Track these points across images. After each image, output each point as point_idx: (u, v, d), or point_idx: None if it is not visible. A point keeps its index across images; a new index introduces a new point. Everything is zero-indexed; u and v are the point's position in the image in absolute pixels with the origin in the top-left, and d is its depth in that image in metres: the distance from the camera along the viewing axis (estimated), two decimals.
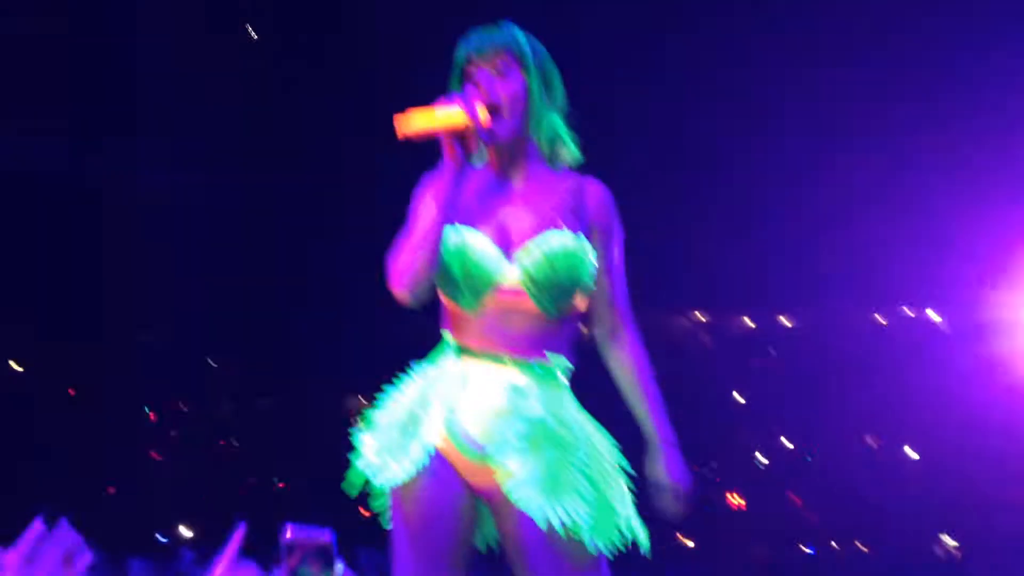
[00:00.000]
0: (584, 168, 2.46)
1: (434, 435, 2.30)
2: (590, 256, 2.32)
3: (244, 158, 7.15)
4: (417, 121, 2.26)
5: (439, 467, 2.29)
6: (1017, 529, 7.72)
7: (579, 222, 2.35)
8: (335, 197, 7.27)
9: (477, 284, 2.31)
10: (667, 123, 6.79)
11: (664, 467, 2.35)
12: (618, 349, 2.43)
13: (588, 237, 2.35)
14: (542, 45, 2.42)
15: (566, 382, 2.36)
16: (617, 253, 2.42)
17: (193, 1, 6.71)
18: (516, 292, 2.30)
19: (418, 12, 6.12)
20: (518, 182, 2.39)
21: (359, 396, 8.09)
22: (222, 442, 8.55)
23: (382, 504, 2.32)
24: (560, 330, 2.35)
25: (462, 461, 2.29)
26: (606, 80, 6.38)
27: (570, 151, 2.43)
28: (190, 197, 7.29)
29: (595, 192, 2.41)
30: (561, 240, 2.31)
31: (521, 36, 2.39)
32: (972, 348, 7.87)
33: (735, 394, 8.98)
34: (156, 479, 8.05)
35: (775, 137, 6.80)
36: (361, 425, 2.35)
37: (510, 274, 2.29)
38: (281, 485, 8.34)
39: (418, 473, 2.29)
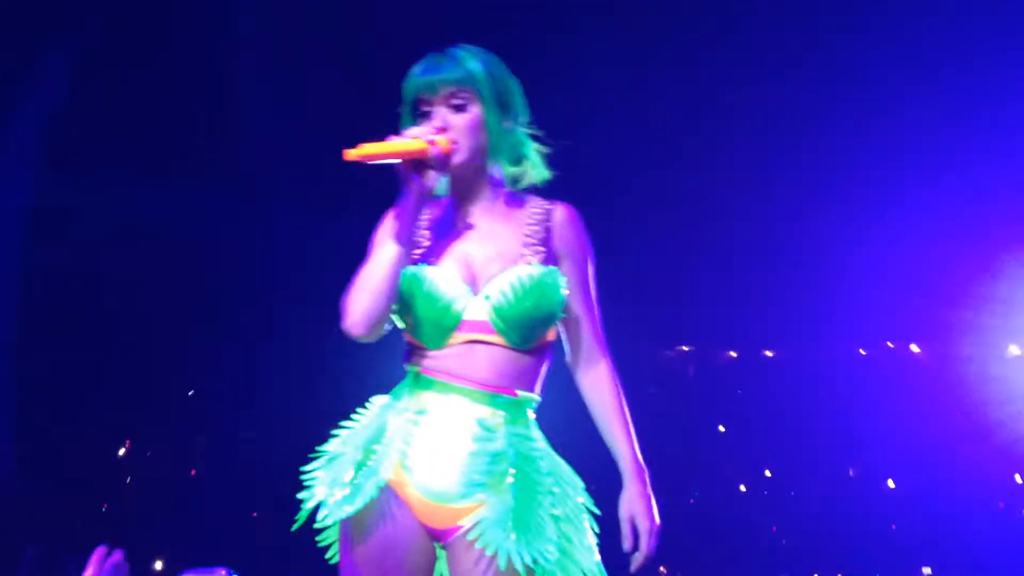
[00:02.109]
0: (563, 194, 2.42)
1: (388, 470, 2.22)
2: (560, 286, 2.26)
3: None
4: (370, 148, 2.18)
5: (391, 502, 2.21)
6: (995, 561, 7.75)
7: (547, 251, 2.28)
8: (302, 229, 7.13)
9: (442, 321, 2.23)
10: (655, 160, 6.80)
11: (632, 504, 2.31)
12: (592, 379, 2.38)
13: (557, 265, 2.28)
14: (496, 58, 2.33)
15: (533, 417, 2.31)
16: (590, 278, 2.34)
17: None
18: (483, 328, 2.23)
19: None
20: (481, 212, 2.31)
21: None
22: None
23: (330, 538, 2.29)
24: (528, 362, 2.27)
25: (418, 500, 2.22)
26: (588, 113, 6.41)
27: (536, 170, 2.36)
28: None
29: (563, 217, 2.33)
30: (529, 273, 2.24)
31: (472, 62, 2.28)
32: (952, 381, 7.93)
33: (720, 427, 8.99)
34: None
35: (763, 178, 6.82)
36: (314, 459, 2.30)
37: (476, 310, 2.23)
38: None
39: (368, 507, 2.20)
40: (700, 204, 7.05)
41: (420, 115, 2.26)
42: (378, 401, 2.32)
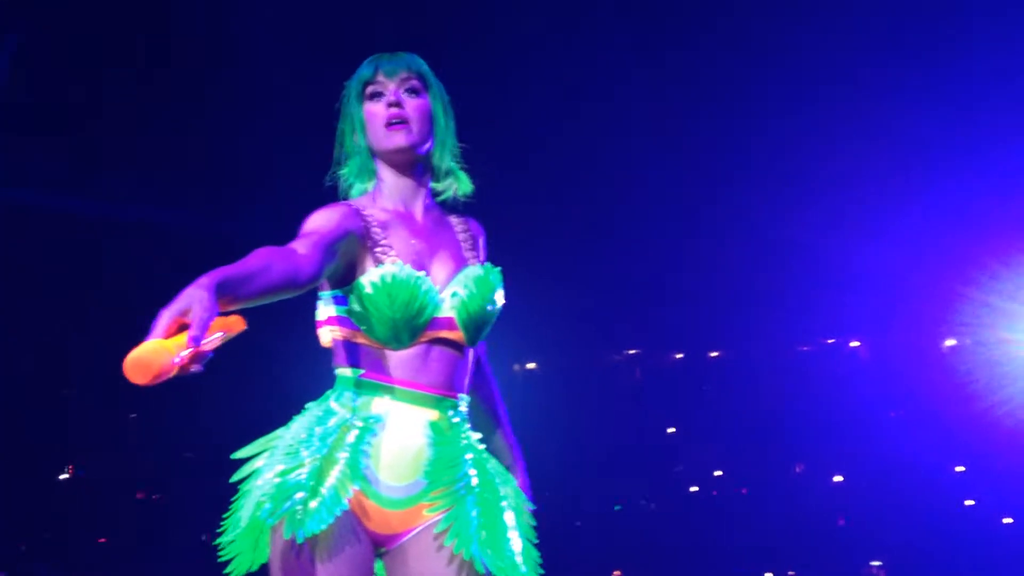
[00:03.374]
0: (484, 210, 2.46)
1: (347, 483, 2.16)
2: (500, 288, 2.33)
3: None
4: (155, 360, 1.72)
5: (350, 518, 2.17)
6: (940, 553, 7.88)
7: (477, 258, 2.37)
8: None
9: (416, 320, 2.22)
10: (601, 169, 6.83)
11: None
12: (489, 387, 2.47)
13: None
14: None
15: (466, 415, 2.32)
16: None
17: None
18: (448, 325, 2.25)
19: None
20: (422, 214, 2.34)
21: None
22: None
23: (265, 555, 2.18)
24: (468, 363, 2.31)
25: (373, 508, 2.19)
26: (535, 127, 6.44)
27: (462, 184, 2.39)
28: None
29: (479, 231, 2.42)
30: (483, 272, 2.31)
31: (424, 63, 2.35)
32: (892, 376, 8.07)
33: (669, 429, 9.05)
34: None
35: (706, 185, 6.86)
36: (250, 474, 2.21)
37: (444, 308, 2.26)
38: None
39: (335, 523, 2.14)
40: (643, 210, 7.11)
41: (371, 97, 2.29)
42: (316, 407, 2.26)
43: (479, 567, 2.18)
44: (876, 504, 8.31)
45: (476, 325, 2.27)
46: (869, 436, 8.17)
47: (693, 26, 6.08)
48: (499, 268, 2.34)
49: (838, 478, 8.66)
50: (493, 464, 2.32)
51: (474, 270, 2.29)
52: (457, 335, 2.25)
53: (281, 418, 2.28)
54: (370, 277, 2.21)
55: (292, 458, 2.16)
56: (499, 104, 5.94)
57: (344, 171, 2.37)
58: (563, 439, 7.70)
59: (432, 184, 2.36)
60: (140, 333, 1.72)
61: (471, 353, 2.30)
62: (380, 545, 2.21)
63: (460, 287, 2.27)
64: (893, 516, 8.19)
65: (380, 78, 2.30)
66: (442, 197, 2.38)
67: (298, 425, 2.22)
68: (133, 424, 8.02)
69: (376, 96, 2.30)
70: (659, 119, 6.44)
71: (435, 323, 2.23)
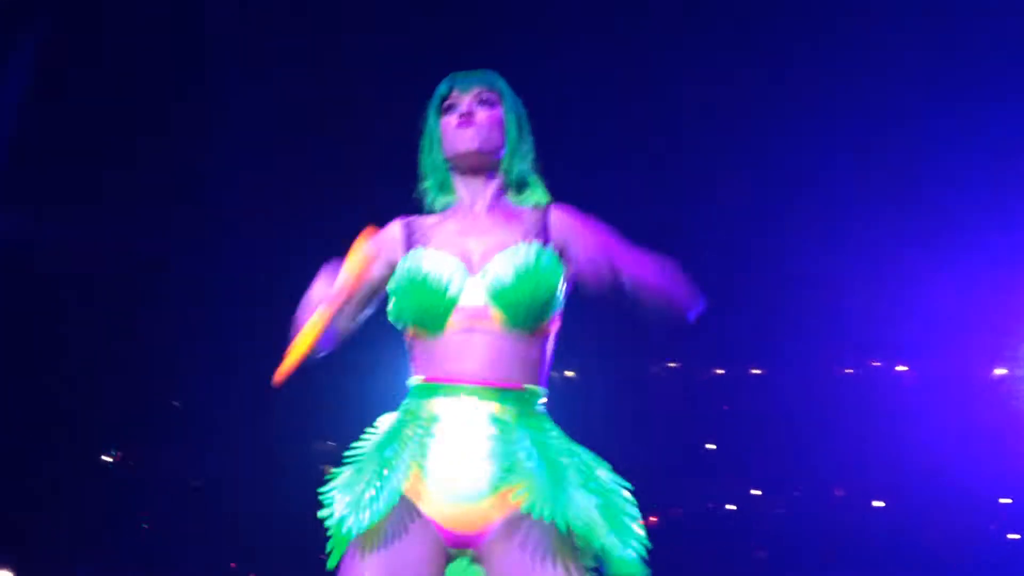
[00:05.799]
0: None
1: (403, 482, 2.21)
2: (556, 268, 2.29)
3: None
4: (290, 361, 2.22)
5: (406, 515, 2.20)
6: None
7: (545, 239, 2.32)
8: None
9: (439, 301, 2.24)
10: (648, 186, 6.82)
11: None
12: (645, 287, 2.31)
13: (561, 251, 2.31)
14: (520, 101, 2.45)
15: (543, 409, 2.29)
16: (604, 233, 2.32)
17: None
18: (481, 310, 2.24)
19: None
20: (484, 212, 2.37)
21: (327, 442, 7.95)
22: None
23: (337, 556, 2.24)
24: (530, 350, 2.26)
25: (442, 508, 2.20)
26: (587, 147, 6.42)
27: (537, 193, 2.42)
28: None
29: (559, 211, 2.39)
30: (525, 251, 2.28)
31: (500, 79, 2.43)
32: (938, 401, 7.96)
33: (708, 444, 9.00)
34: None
35: (760, 202, 6.84)
36: (329, 481, 2.28)
37: (475, 289, 2.25)
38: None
39: (383, 520, 2.19)
40: (686, 223, 7.08)
41: (446, 110, 2.36)
42: (387, 418, 2.32)
43: (562, 527, 2.16)
44: (916, 532, 8.21)
45: (514, 304, 2.22)
46: (912, 463, 8.06)
47: (779, 58, 6.07)
48: (549, 248, 2.29)
49: (878, 503, 8.58)
50: (567, 447, 2.28)
51: (518, 249, 2.26)
52: (494, 319, 2.21)
53: (339, 413, 2.41)
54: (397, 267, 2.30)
55: (361, 464, 2.25)
56: (553, 116, 5.94)
57: (426, 185, 2.45)
58: (599, 449, 7.65)
59: (510, 197, 2.40)
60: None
61: (530, 339, 2.25)
62: (465, 546, 2.21)
63: (491, 267, 2.25)
64: (933, 545, 8.09)
65: (455, 93, 2.38)
66: (520, 202, 2.43)
67: (369, 438, 2.29)
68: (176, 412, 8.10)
69: (451, 109, 2.38)
70: (724, 134, 6.42)
71: (466, 308, 2.23)
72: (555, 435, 2.28)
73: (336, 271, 2.26)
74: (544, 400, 2.31)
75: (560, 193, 2.46)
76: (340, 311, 2.27)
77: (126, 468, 8.11)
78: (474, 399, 2.21)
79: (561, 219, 2.36)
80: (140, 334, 7.14)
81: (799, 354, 8.36)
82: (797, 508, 8.68)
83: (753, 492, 8.91)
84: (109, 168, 6.33)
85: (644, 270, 2.34)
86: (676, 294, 2.35)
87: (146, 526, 7.91)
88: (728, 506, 8.93)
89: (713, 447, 8.90)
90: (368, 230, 2.29)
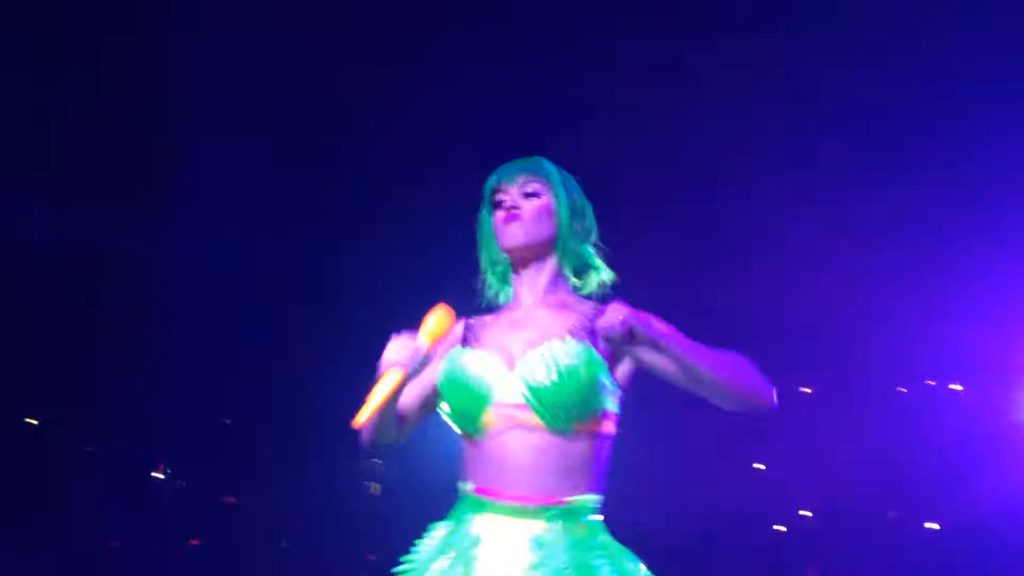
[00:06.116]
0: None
1: None
2: (597, 362, 2.20)
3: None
4: (371, 407, 2.17)
5: None
6: None
7: (592, 337, 2.22)
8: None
9: (474, 400, 2.18)
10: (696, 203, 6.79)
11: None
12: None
13: (609, 353, 2.22)
14: (576, 181, 2.40)
15: (597, 518, 2.19)
16: (663, 328, 2.24)
17: None
18: (518, 408, 2.17)
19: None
20: (535, 304, 2.30)
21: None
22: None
23: None
24: (576, 454, 2.16)
25: None
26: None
27: (599, 279, 2.36)
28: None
29: (611, 306, 2.27)
30: (562, 347, 2.18)
31: (548, 164, 2.36)
32: (992, 423, 7.82)
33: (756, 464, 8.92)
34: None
35: (814, 221, 6.79)
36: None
37: (511, 385, 2.17)
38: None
39: None
40: (747, 243, 7.05)
41: (496, 204, 2.34)
42: (437, 531, 2.27)
43: None
44: (969, 555, 8.08)
45: (545, 400, 2.15)
46: (966, 484, 7.93)
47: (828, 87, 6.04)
48: (589, 345, 2.21)
49: (932, 525, 8.45)
50: (609, 570, 2.18)
51: (556, 344, 2.20)
52: (531, 418, 2.16)
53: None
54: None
55: None
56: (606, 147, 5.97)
57: (487, 279, 2.45)
58: (646, 468, 7.58)
59: (573, 280, 2.37)
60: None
61: (574, 440, 2.18)
62: None
63: (526, 363, 2.20)
64: (990, 569, 7.95)
65: (502, 186, 2.36)
66: (584, 292, 2.38)
67: (421, 550, 2.25)
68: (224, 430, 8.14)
69: (499, 204, 2.36)
70: (787, 165, 6.41)
71: (502, 406, 2.18)
72: (602, 557, 2.18)
73: (407, 339, 2.23)
74: (596, 512, 2.23)
75: (622, 265, 2.41)
76: (407, 412, 2.33)
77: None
78: (516, 519, 2.15)
79: (611, 313, 2.26)
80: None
81: (850, 372, 8.26)
82: (848, 529, 8.56)
83: (802, 513, 8.80)
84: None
85: (712, 365, 2.29)
86: (749, 386, 2.30)
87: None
88: (777, 527, 8.82)
89: (762, 467, 8.81)
90: (440, 305, 2.26)
